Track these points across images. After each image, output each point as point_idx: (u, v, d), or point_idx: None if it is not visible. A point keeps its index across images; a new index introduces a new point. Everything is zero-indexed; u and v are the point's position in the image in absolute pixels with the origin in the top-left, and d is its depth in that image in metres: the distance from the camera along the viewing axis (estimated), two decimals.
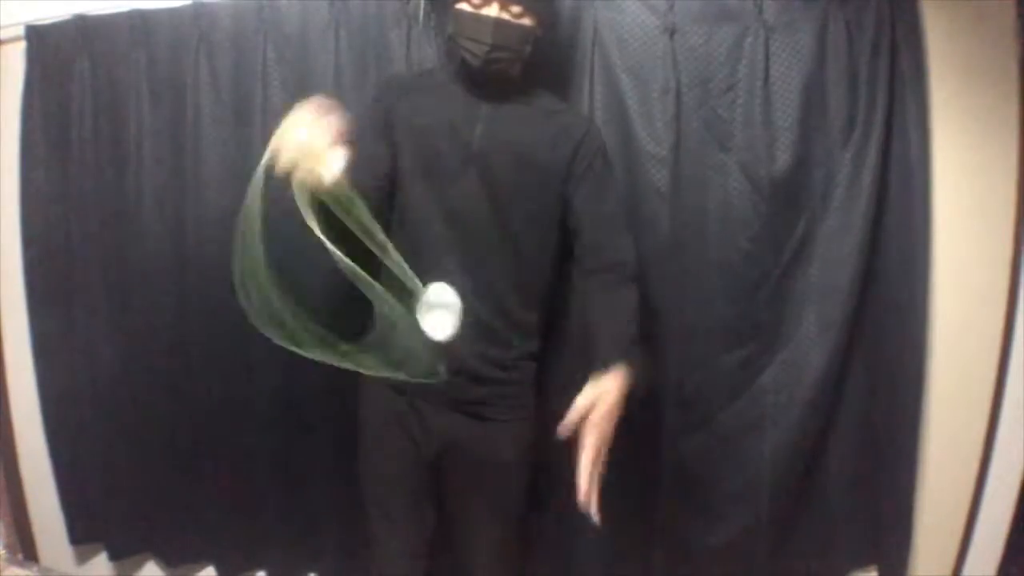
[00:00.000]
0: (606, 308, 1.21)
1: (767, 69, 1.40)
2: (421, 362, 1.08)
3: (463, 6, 1.18)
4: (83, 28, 1.63)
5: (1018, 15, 1.38)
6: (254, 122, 1.54)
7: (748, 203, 1.43)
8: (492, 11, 1.17)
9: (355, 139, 1.02)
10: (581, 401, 1.06)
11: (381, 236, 1.04)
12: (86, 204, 1.68)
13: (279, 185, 0.99)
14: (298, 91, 1.53)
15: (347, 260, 1.00)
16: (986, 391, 1.48)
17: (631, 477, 1.52)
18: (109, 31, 1.62)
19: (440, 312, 1.08)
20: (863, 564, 1.56)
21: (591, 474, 1.04)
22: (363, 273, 1.02)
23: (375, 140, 1.23)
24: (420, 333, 1.10)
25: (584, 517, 1.52)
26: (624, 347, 1.14)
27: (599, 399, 1.06)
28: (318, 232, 0.97)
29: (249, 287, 1.02)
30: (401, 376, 1.08)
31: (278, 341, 1.03)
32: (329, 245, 0.98)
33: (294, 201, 0.98)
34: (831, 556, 1.54)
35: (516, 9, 1.17)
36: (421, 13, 1.46)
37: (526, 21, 1.19)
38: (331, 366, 1.55)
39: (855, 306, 1.42)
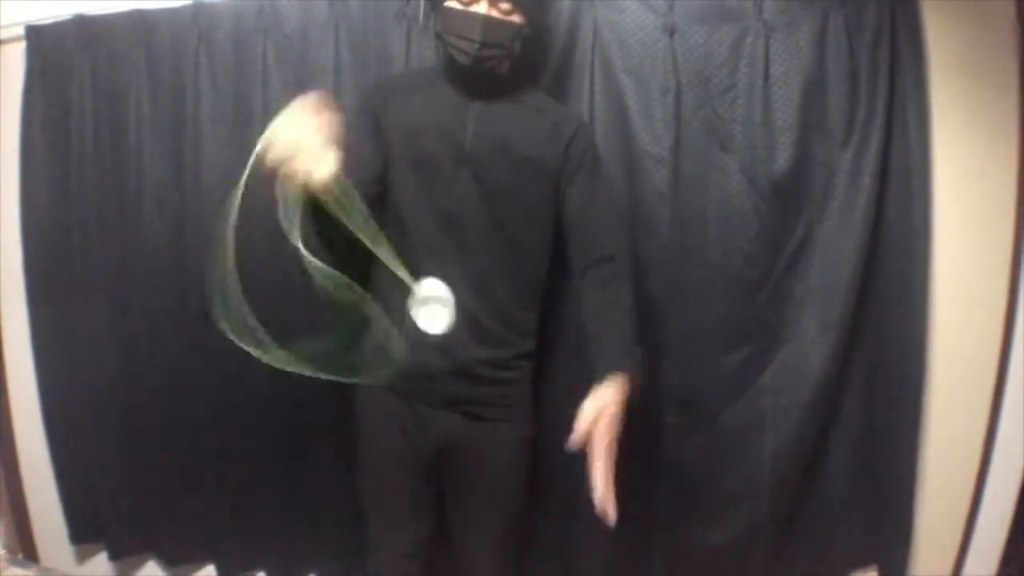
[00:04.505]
0: (600, 310, 1.21)
1: (767, 69, 1.40)
2: (390, 365, 1.06)
3: (452, 4, 1.18)
4: (83, 28, 1.63)
5: (1018, 15, 1.38)
6: (254, 122, 1.54)
7: (748, 203, 1.43)
8: (481, 8, 1.17)
9: (346, 140, 1.00)
10: (585, 415, 1.08)
11: (375, 231, 1.02)
12: (86, 204, 1.68)
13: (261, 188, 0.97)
14: (298, 91, 1.52)
15: (318, 263, 0.98)
16: (986, 391, 1.48)
17: (631, 477, 1.52)
18: (109, 31, 1.62)
19: (434, 306, 1.06)
20: (863, 564, 1.56)
21: (607, 481, 1.07)
22: (335, 274, 1.00)
23: (364, 143, 1.22)
24: (395, 336, 1.07)
25: (584, 517, 1.52)
26: (621, 355, 1.15)
27: (601, 412, 1.08)
28: (294, 235, 0.95)
29: (225, 295, 0.99)
30: (363, 379, 1.08)
31: (251, 350, 1.01)
32: (302, 248, 0.96)
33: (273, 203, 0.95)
34: (831, 556, 1.54)
35: (505, 6, 1.17)
36: (421, 13, 1.46)
37: (515, 18, 1.19)
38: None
39: (855, 306, 1.42)
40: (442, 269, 1.21)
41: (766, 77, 1.40)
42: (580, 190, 1.26)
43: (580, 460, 1.52)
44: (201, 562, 1.83)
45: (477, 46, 1.16)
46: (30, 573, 1.33)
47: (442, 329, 1.07)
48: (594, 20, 1.43)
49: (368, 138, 1.23)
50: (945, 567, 1.52)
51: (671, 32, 1.41)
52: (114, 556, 1.83)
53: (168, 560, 1.83)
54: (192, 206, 1.60)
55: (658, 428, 1.50)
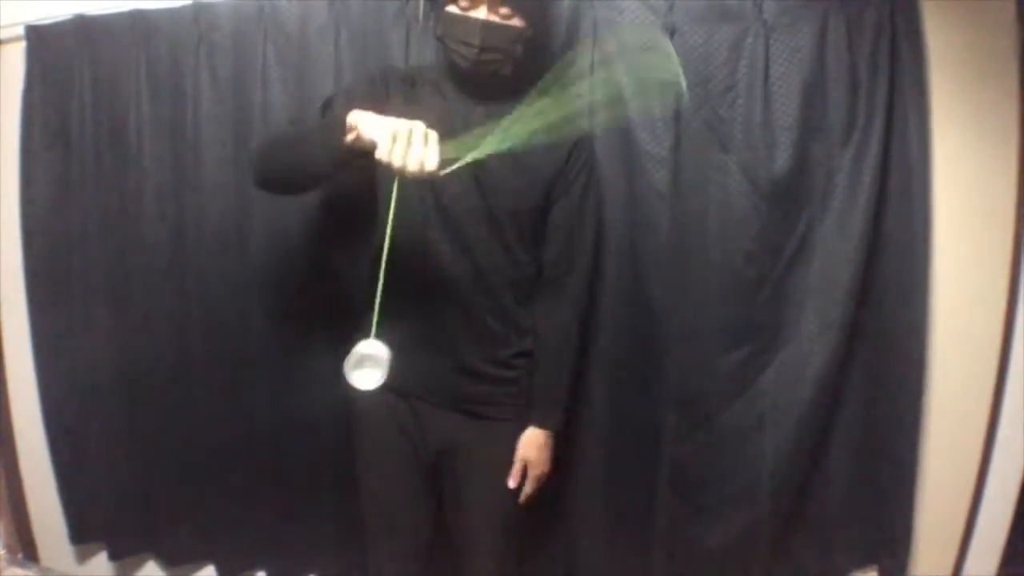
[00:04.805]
0: (549, 339, 1.30)
1: (767, 69, 1.40)
2: None
3: (452, 8, 1.18)
4: (83, 28, 1.63)
5: (1018, 14, 1.38)
6: (254, 122, 1.54)
7: (748, 203, 1.43)
8: (480, 13, 1.16)
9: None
10: (519, 460, 1.29)
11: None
12: (86, 203, 1.68)
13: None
14: (298, 91, 1.53)
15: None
16: (986, 391, 1.48)
17: (631, 477, 1.53)
18: (109, 31, 1.62)
19: (370, 366, 1.08)
20: (863, 564, 1.56)
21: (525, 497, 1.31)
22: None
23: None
24: None
25: (584, 517, 1.51)
26: (552, 408, 1.32)
27: (533, 461, 1.29)
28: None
29: None
30: None
31: None
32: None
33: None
34: (831, 556, 1.54)
35: (505, 10, 1.17)
36: (421, 13, 1.46)
37: (515, 22, 1.19)
38: (330, 366, 1.56)
39: (855, 306, 1.42)
40: (440, 266, 1.21)
41: (766, 77, 1.40)
42: (569, 202, 1.26)
43: (579, 460, 1.53)
44: (201, 562, 1.83)
45: (477, 51, 1.16)
46: (30, 573, 1.33)
47: (373, 387, 1.09)
48: (594, 20, 1.43)
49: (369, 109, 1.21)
50: (945, 567, 1.52)
51: (671, 32, 1.40)
52: (114, 556, 1.84)
53: (168, 560, 1.83)
54: (192, 206, 1.60)
55: (658, 428, 1.50)
